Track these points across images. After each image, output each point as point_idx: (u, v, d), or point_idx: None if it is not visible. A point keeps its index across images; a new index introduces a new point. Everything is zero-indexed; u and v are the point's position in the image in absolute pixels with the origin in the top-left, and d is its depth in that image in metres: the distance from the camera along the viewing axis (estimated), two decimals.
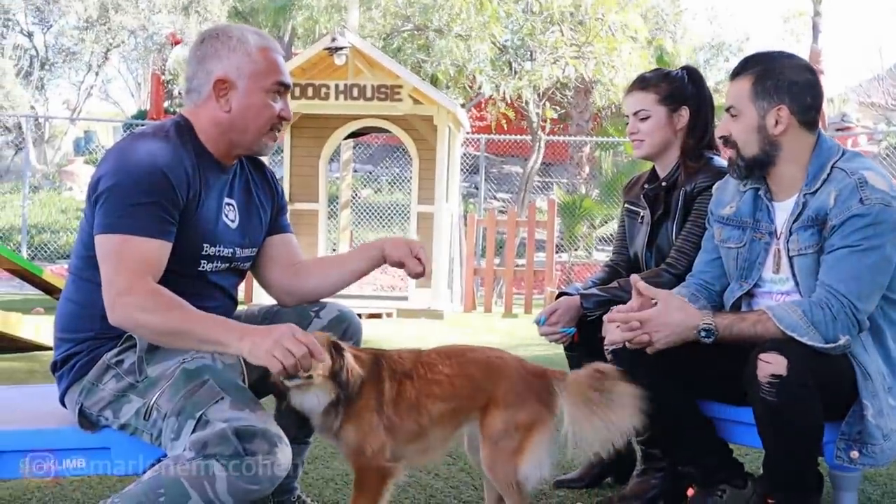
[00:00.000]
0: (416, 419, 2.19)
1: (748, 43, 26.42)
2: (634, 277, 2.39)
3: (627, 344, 2.32)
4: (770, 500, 2.24)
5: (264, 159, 2.51)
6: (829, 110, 20.04)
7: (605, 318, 2.44)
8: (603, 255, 14.01)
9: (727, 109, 2.38)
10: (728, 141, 2.38)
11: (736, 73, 2.39)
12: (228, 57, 2.20)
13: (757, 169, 2.38)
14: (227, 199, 2.28)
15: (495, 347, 2.43)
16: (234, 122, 2.22)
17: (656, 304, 2.32)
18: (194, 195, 2.15)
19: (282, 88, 2.26)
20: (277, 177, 2.56)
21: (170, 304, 2.02)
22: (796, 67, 2.35)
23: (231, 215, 2.28)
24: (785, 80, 2.31)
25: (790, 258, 2.34)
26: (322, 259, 2.49)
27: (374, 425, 2.15)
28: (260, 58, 2.21)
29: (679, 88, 2.87)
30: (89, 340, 2.15)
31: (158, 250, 2.07)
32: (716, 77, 23.81)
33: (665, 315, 2.28)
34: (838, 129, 17.53)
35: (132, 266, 2.02)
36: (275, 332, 1.96)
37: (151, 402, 2.02)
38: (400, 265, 2.42)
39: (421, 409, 2.19)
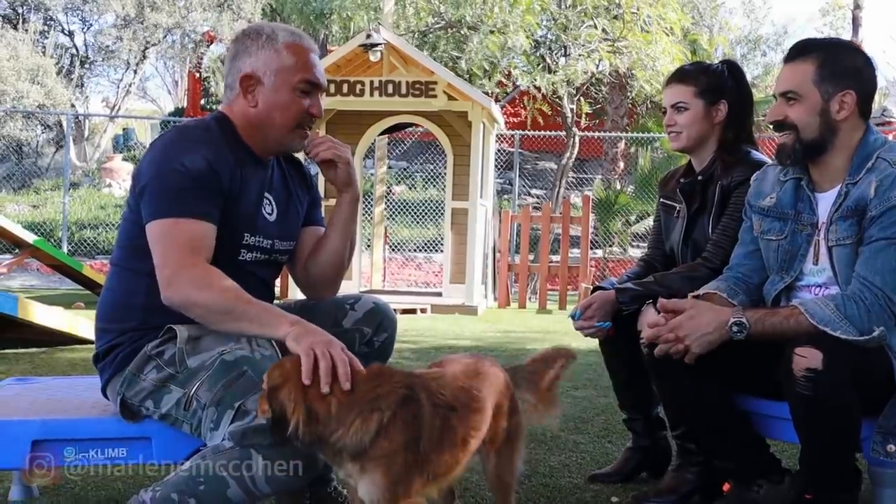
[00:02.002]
0: (457, 455, 1.96)
1: (786, 37, 26.16)
2: (661, 301, 2.38)
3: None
4: (807, 496, 2.23)
5: (299, 154, 2.53)
6: None
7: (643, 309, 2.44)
8: (638, 252, 13.92)
9: (783, 94, 2.33)
10: (784, 125, 2.33)
11: (793, 57, 2.34)
12: (257, 54, 2.23)
13: (811, 153, 2.34)
14: (266, 193, 2.31)
15: (473, 353, 2.34)
16: (261, 117, 2.25)
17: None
18: (235, 186, 2.19)
19: (310, 87, 2.26)
20: (313, 173, 2.59)
21: (223, 283, 2.05)
22: (859, 54, 2.35)
23: (269, 208, 2.31)
24: (851, 66, 2.30)
25: (829, 248, 2.31)
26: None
27: (404, 473, 1.85)
28: (288, 54, 2.23)
29: (718, 82, 2.85)
30: (131, 332, 2.19)
31: (207, 231, 2.11)
32: (753, 71, 23.58)
33: (695, 317, 2.28)
34: (879, 124, 17.27)
35: (184, 245, 2.06)
36: (328, 336, 1.93)
37: (191, 393, 2.06)
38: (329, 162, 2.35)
39: (465, 444, 1.97)
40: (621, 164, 17.08)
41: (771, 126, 2.39)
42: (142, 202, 2.14)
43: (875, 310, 2.14)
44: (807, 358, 2.09)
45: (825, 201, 2.36)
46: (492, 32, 12.50)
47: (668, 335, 2.28)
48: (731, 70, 2.90)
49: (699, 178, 2.87)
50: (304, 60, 2.25)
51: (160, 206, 2.10)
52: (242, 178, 2.22)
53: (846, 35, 22.85)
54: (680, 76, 2.91)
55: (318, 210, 2.54)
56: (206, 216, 2.11)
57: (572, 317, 2.86)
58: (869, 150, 2.29)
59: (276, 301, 2.50)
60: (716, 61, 2.99)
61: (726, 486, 2.53)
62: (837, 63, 2.29)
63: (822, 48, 2.33)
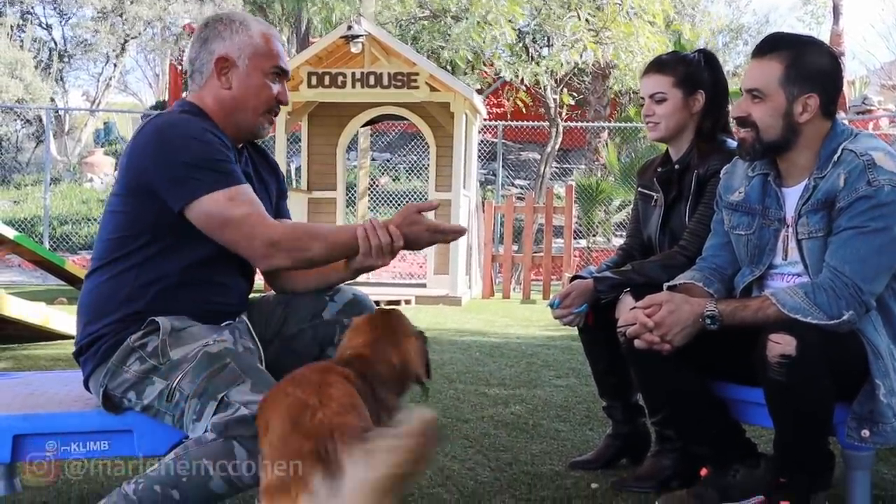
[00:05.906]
0: None
1: (767, 26, 26.26)
2: (639, 303, 2.39)
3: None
4: (782, 480, 2.26)
5: (279, 156, 2.55)
6: (850, 93, 19.84)
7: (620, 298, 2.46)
8: (621, 241, 13.97)
9: (749, 90, 2.33)
10: (746, 122, 2.34)
11: (762, 53, 2.33)
12: (231, 38, 2.28)
13: (772, 152, 2.37)
14: None
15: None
16: (235, 99, 2.28)
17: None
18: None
19: (280, 73, 2.33)
20: (295, 165, 2.62)
21: (310, 232, 2.22)
22: (827, 55, 2.34)
23: None
24: (817, 69, 2.29)
25: (799, 241, 2.33)
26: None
27: None
28: (261, 41, 2.30)
29: (695, 72, 2.87)
30: (114, 324, 2.18)
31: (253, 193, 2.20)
32: (735, 61, 23.63)
33: (675, 311, 2.31)
34: (859, 112, 17.35)
35: (256, 214, 2.14)
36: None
37: (174, 384, 2.06)
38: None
39: None
40: (604, 154, 17.13)
41: (734, 120, 2.41)
42: (167, 191, 2.12)
43: (845, 296, 2.17)
44: (781, 344, 2.12)
45: (792, 196, 2.37)
46: (476, 23, 12.49)
47: (652, 337, 2.32)
48: (708, 60, 2.93)
49: (676, 166, 2.90)
50: (276, 48, 2.33)
51: (201, 181, 2.10)
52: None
53: (827, 23, 23.01)
54: (658, 66, 2.92)
55: (285, 202, 2.56)
56: (245, 178, 2.19)
57: (551, 305, 2.89)
58: (835, 144, 2.30)
59: (256, 294, 2.51)
60: (693, 51, 3.01)
61: (704, 471, 2.56)
62: (805, 64, 2.28)
63: (791, 47, 2.31)
